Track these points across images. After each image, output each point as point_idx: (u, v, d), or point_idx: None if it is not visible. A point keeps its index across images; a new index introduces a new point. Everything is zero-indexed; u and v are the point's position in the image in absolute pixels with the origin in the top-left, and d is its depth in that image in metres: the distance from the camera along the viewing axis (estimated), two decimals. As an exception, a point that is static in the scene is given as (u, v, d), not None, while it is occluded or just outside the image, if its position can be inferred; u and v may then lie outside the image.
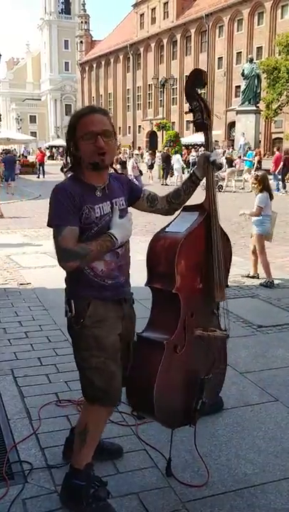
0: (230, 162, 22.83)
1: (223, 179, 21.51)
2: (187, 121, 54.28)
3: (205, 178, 2.59)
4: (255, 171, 11.29)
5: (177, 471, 2.70)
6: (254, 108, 30.55)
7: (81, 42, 77.18)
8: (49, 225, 2.30)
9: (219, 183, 20.52)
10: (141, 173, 21.36)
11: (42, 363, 4.11)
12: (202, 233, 2.51)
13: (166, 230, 2.54)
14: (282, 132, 41.06)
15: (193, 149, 33.97)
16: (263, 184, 6.62)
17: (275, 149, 24.40)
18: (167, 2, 57.02)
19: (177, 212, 2.66)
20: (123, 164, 16.70)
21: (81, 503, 2.40)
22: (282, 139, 39.70)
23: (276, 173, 20.48)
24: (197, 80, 2.53)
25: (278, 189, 19.57)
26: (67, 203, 2.24)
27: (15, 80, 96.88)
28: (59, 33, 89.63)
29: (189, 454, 2.83)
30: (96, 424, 2.47)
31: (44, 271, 7.26)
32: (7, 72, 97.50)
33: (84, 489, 2.41)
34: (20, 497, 2.52)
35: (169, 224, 2.58)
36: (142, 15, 62.35)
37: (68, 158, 2.39)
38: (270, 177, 6.99)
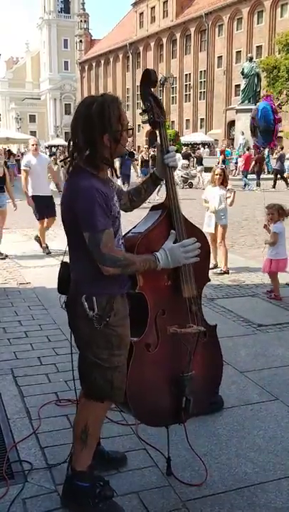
0: (200, 160, 23.92)
1: (194, 177, 22.68)
2: (187, 120, 54.41)
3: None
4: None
5: (177, 470, 2.70)
6: (254, 107, 30.50)
7: (80, 41, 77.18)
8: (88, 229, 2.16)
9: (189, 181, 22.02)
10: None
11: (42, 362, 4.11)
12: (164, 230, 2.47)
13: (131, 231, 2.54)
14: (282, 131, 40.96)
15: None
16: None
17: (245, 149, 26.02)
18: (167, 1, 57.03)
19: (146, 212, 2.65)
20: (146, 163, 16.39)
21: (88, 504, 2.37)
22: (281, 137, 39.66)
23: (248, 171, 22.23)
24: (149, 80, 2.55)
25: (245, 185, 21.51)
26: (102, 204, 2.17)
27: (14, 79, 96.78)
28: (58, 32, 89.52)
29: (189, 453, 2.83)
30: (96, 422, 2.46)
31: (44, 270, 7.26)
32: (6, 71, 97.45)
33: (90, 490, 2.39)
34: (21, 496, 2.52)
35: (136, 225, 2.58)
36: (141, 14, 62.35)
37: (78, 153, 2.24)
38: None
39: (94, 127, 2.19)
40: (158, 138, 2.63)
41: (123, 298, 2.36)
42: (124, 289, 2.35)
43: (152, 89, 2.58)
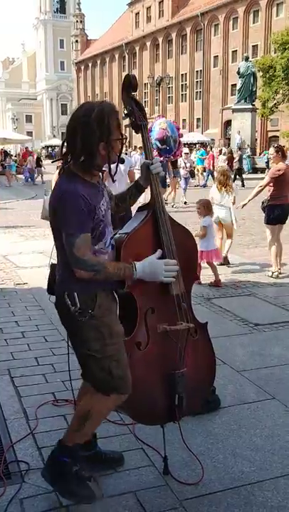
0: (174, 163, 24.47)
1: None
2: (183, 119, 54.39)
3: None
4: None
5: (174, 470, 2.71)
6: (250, 106, 30.60)
7: (76, 41, 77.03)
8: (64, 231, 2.24)
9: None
10: (192, 174, 20.35)
11: (39, 362, 4.11)
12: (150, 229, 2.50)
13: (119, 232, 2.55)
14: (278, 130, 41.08)
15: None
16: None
17: (208, 149, 27.46)
18: (162, 1, 56.92)
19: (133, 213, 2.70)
20: (174, 164, 16.28)
21: (63, 479, 2.43)
22: (278, 137, 39.74)
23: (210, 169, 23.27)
24: (129, 85, 2.60)
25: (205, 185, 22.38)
26: (83, 208, 2.21)
27: (10, 79, 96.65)
28: (54, 32, 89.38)
29: (186, 452, 2.83)
30: (101, 413, 2.48)
31: (40, 271, 7.22)
32: (2, 71, 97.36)
33: (67, 466, 2.43)
34: (18, 497, 2.52)
35: (122, 226, 2.60)
36: (137, 14, 62.28)
37: (73, 158, 2.29)
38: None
39: (92, 135, 2.22)
40: (141, 140, 2.68)
41: (107, 294, 2.39)
42: (108, 285, 2.37)
43: (133, 94, 2.62)
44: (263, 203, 7.04)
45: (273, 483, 2.66)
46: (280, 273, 6.97)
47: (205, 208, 6.60)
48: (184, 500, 2.52)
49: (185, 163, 17.48)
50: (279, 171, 6.75)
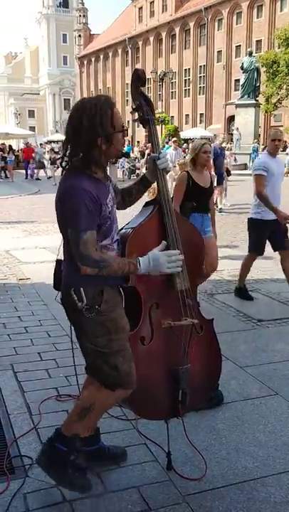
0: (143, 154, 26.22)
1: (138, 168, 23.74)
2: (186, 115, 54.29)
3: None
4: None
5: (177, 465, 2.71)
6: (253, 102, 30.45)
7: (79, 36, 76.86)
8: (70, 227, 2.23)
9: (137, 172, 22.93)
10: (229, 173, 15.46)
11: (42, 357, 4.12)
12: (156, 224, 2.50)
13: (125, 227, 2.55)
14: (281, 126, 40.92)
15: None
16: None
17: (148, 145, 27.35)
18: (165, -5, 56.78)
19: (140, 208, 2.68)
20: (228, 171, 15.64)
21: (58, 467, 2.44)
22: (281, 132, 39.61)
23: None
24: (138, 79, 2.59)
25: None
26: (89, 204, 2.19)
27: (13, 74, 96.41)
28: (57, 26, 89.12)
29: (189, 447, 2.84)
30: (103, 407, 2.48)
31: (43, 266, 7.24)
32: (5, 66, 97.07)
33: (65, 455, 2.43)
34: (21, 491, 2.53)
35: (129, 221, 2.60)
36: (140, 8, 62.08)
37: (70, 155, 2.28)
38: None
39: (85, 131, 2.21)
40: (148, 134, 2.69)
41: (113, 289, 2.39)
42: (113, 281, 2.37)
43: (141, 88, 2.61)
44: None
45: (276, 478, 2.66)
46: None
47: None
48: (187, 495, 2.52)
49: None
50: None
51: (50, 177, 24.91)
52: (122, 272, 2.30)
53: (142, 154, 27.67)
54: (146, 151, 21.48)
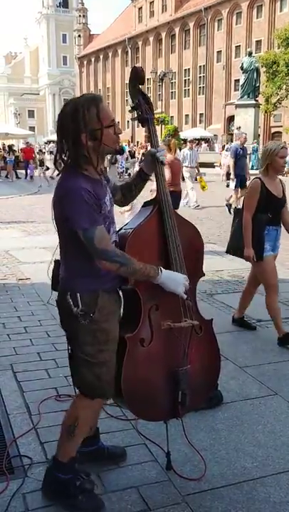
0: (132, 154, 26.59)
1: (128, 168, 24.00)
2: (186, 115, 54.28)
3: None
4: None
5: (177, 465, 2.71)
6: (253, 102, 30.44)
7: (79, 36, 76.85)
8: (78, 228, 2.18)
9: (129, 171, 23.09)
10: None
11: (41, 357, 4.12)
12: (155, 225, 2.48)
13: (124, 227, 2.54)
14: (281, 126, 41.01)
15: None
16: None
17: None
18: (165, -5, 56.77)
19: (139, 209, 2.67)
20: None
21: (67, 496, 2.40)
22: (281, 132, 39.67)
23: None
24: (136, 77, 2.57)
25: None
26: (90, 202, 2.17)
27: (13, 74, 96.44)
28: (57, 26, 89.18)
29: (189, 447, 2.84)
30: (87, 418, 2.47)
31: (43, 266, 7.22)
32: (5, 66, 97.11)
33: (69, 482, 2.41)
34: (21, 491, 2.53)
35: (128, 222, 2.59)
36: (140, 8, 62.09)
37: (67, 153, 2.26)
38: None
39: (69, 129, 2.19)
40: (147, 133, 2.66)
41: (110, 294, 2.36)
42: (110, 285, 2.35)
43: (140, 87, 2.60)
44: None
45: (276, 478, 2.66)
46: None
47: None
48: (187, 495, 2.52)
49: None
50: None
51: (51, 177, 24.87)
52: (141, 273, 2.27)
53: (143, 155, 27.87)
54: (142, 151, 21.24)
